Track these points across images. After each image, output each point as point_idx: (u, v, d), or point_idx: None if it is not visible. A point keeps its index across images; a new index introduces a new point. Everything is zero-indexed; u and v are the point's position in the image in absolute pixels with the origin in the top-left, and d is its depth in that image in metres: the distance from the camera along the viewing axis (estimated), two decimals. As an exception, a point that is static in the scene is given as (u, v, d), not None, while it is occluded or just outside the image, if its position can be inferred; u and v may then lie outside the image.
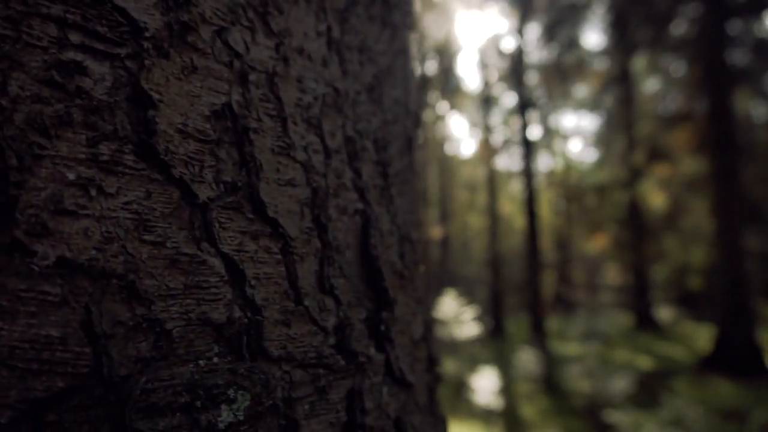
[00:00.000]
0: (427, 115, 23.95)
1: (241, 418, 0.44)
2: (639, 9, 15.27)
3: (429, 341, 0.90)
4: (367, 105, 0.76)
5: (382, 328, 0.66)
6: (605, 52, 20.58)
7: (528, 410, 8.51)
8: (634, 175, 18.43)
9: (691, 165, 17.87)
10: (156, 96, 0.44)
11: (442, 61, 24.35)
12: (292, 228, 0.55)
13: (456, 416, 7.86)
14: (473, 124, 31.21)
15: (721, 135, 11.56)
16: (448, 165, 28.64)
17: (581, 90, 24.57)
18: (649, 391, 8.64)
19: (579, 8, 18.53)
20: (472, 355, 11.23)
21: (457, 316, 10.10)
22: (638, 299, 18.34)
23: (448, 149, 31.00)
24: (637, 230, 18.46)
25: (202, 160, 0.47)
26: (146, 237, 0.42)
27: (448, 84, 25.41)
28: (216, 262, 0.47)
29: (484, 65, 21.53)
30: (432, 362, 0.90)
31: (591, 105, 24.39)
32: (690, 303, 20.88)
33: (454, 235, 28.66)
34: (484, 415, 7.52)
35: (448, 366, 10.59)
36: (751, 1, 12.55)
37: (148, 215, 0.43)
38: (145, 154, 0.43)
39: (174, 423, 0.41)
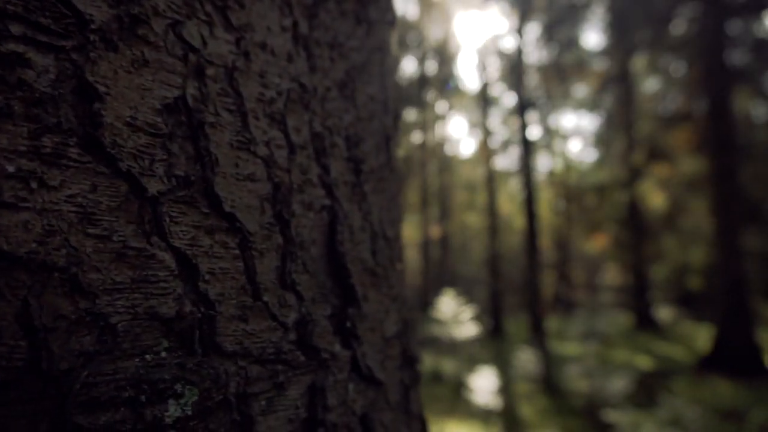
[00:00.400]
0: (426, 115, 23.94)
1: (190, 413, 0.44)
2: (639, 9, 15.26)
3: (406, 339, 0.89)
4: (338, 101, 0.76)
5: (348, 324, 0.66)
6: (605, 52, 20.56)
7: (527, 410, 8.50)
8: (634, 175, 18.42)
9: (691, 165, 17.85)
10: (102, 89, 0.43)
11: (441, 60, 24.35)
12: (251, 223, 0.55)
13: (455, 416, 7.85)
14: (473, 124, 31.20)
15: (720, 135, 11.55)
16: (447, 165, 28.63)
17: (581, 90, 24.55)
18: (648, 391, 8.64)
19: (578, 8, 18.51)
20: (471, 354, 11.22)
21: (456, 315, 10.09)
22: (638, 299, 18.32)
23: (448, 149, 30.99)
24: (637, 230, 18.44)
25: (152, 153, 0.46)
26: (91, 230, 0.42)
27: (447, 84, 25.41)
28: (166, 257, 0.46)
29: (483, 65, 21.52)
30: (408, 360, 0.89)
31: (591, 105, 24.36)
32: (690, 303, 20.86)
33: (453, 235, 28.64)
34: (483, 414, 7.51)
35: (447, 366, 10.59)
36: (751, 1, 12.54)
37: (94, 208, 0.42)
38: (91, 147, 0.43)
39: (117, 417, 0.40)
